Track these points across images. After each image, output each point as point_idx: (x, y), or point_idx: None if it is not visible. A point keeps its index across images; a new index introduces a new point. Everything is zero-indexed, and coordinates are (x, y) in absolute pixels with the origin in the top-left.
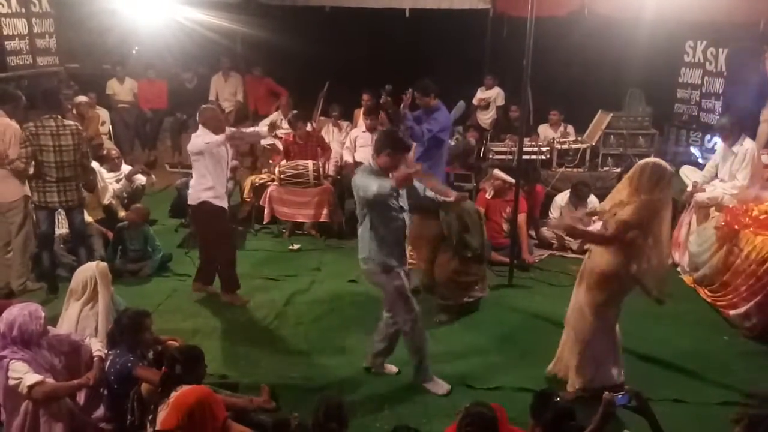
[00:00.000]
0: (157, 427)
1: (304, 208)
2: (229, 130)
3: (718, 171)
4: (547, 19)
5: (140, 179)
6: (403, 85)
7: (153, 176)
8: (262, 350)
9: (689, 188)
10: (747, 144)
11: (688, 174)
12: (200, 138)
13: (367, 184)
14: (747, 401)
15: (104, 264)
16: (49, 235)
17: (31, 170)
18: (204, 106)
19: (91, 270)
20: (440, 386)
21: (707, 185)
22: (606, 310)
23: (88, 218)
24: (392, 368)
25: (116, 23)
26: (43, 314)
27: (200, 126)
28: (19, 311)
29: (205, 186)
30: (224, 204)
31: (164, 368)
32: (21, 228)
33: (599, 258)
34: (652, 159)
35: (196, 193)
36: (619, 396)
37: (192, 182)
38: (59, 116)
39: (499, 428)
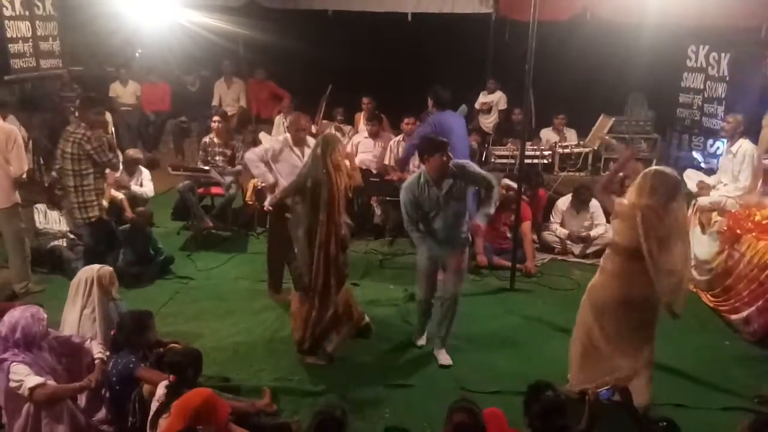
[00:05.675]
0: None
1: None
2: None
3: (722, 174)
4: (550, 23)
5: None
6: (404, 88)
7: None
8: (263, 353)
9: (694, 189)
10: (745, 145)
11: (692, 176)
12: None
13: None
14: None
15: (107, 269)
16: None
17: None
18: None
19: (89, 273)
20: (446, 358)
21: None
22: None
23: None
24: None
25: (119, 26)
26: (44, 315)
27: None
28: (21, 313)
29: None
30: None
31: (171, 377)
32: (17, 234)
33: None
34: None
35: None
36: (603, 390)
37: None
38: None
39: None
